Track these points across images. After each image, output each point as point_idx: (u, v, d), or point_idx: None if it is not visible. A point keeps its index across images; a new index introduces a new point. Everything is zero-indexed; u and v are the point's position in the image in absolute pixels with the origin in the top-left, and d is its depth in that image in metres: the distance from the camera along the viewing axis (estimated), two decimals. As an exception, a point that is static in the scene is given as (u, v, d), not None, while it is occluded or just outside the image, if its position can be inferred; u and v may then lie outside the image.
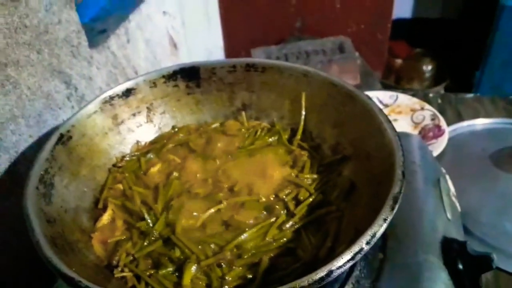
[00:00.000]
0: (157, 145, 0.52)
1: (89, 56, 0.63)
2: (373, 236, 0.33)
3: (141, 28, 0.77)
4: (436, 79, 2.00)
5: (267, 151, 0.51)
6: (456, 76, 1.92)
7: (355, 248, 0.32)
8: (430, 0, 2.09)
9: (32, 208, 0.37)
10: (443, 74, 1.98)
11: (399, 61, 2.05)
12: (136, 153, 0.51)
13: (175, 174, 0.48)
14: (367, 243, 0.32)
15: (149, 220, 0.43)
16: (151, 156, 0.51)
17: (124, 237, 0.43)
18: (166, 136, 0.54)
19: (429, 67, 2.05)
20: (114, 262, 0.40)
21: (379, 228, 0.34)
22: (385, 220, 0.34)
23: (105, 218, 0.44)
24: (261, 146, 0.52)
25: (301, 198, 0.45)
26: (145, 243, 0.41)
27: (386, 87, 1.57)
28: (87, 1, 0.70)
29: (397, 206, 0.35)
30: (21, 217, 0.38)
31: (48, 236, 0.36)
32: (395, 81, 2.05)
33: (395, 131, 0.42)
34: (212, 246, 0.40)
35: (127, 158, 0.50)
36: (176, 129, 0.54)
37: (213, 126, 0.55)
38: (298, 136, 0.52)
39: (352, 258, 0.32)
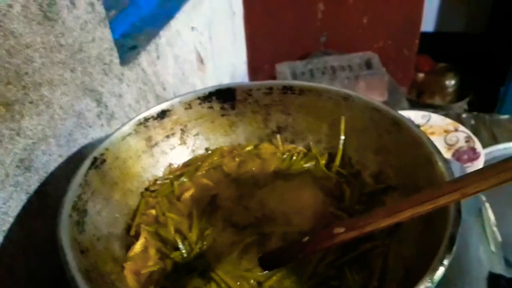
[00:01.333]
0: (191, 168, 0.51)
1: (120, 74, 0.62)
2: (431, 281, 0.31)
3: (170, 44, 0.76)
4: (459, 94, 1.96)
5: (304, 177, 0.49)
6: (480, 92, 1.88)
7: (415, 293, 0.30)
8: (454, 14, 2.06)
9: (66, 238, 0.35)
10: (466, 89, 1.94)
11: (421, 75, 2.02)
12: (169, 176, 0.49)
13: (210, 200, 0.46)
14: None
15: (183, 251, 0.41)
16: (184, 179, 0.49)
17: (158, 267, 0.41)
18: (199, 159, 0.52)
19: (452, 82, 2.01)
20: (149, 295, 0.38)
21: (436, 272, 0.31)
22: (443, 263, 0.32)
23: (138, 246, 0.42)
24: (298, 172, 0.50)
25: None
26: (180, 275, 0.40)
27: (408, 101, 1.54)
28: (119, 17, 0.70)
29: (454, 248, 0.33)
30: (47, 239, 0.37)
31: (83, 269, 0.34)
32: (416, 95, 2.01)
33: (448, 163, 0.39)
34: (252, 281, 0.38)
35: (160, 182, 0.49)
36: (210, 152, 0.53)
37: (247, 149, 0.53)
38: (337, 162, 0.50)
39: (411, 306, 0.29)
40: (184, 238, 0.43)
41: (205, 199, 0.47)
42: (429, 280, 0.31)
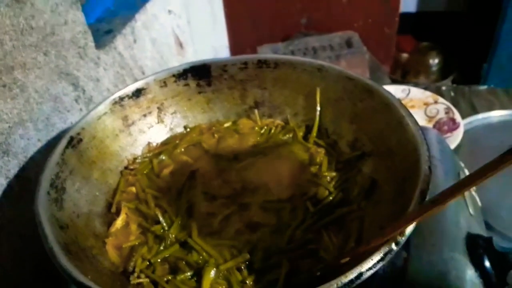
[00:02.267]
0: (169, 146, 0.51)
1: (96, 57, 0.61)
2: (402, 234, 0.31)
3: (147, 27, 0.76)
4: (443, 72, 1.98)
5: (282, 150, 0.50)
6: (464, 69, 1.89)
7: (384, 249, 0.30)
8: (434, -6, 2.07)
9: (44, 214, 0.36)
10: (450, 67, 1.96)
11: (405, 55, 2.03)
12: (148, 155, 0.50)
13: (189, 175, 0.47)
14: (396, 243, 0.31)
15: (164, 224, 0.42)
16: (163, 157, 0.50)
17: (139, 241, 0.41)
18: (178, 137, 0.52)
19: (436, 61, 2.02)
20: (130, 268, 0.39)
21: (408, 225, 0.32)
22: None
23: (119, 222, 0.43)
24: (276, 145, 0.51)
25: (320, 197, 0.43)
26: (161, 248, 0.40)
27: (393, 81, 1.55)
28: (92, 2, 0.69)
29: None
30: (30, 223, 0.37)
31: (62, 243, 0.34)
32: (401, 75, 2.02)
33: (418, 125, 0.40)
34: (231, 249, 0.39)
35: (139, 160, 0.49)
36: (188, 129, 0.53)
37: (226, 125, 0.54)
38: (314, 133, 0.50)
39: (382, 259, 0.30)
40: (164, 212, 0.43)
41: (184, 174, 0.47)
42: (400, 234, 0.31)
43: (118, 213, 0.44)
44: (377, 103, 0.45)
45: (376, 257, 0.30)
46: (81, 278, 0.31)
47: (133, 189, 0.46)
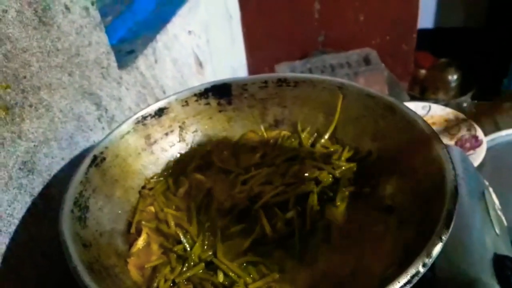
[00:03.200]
0: (182, 164, 0.51)
1: (118, 77, 0.62)
2: (429, 256, 0.31)
3: (168, 48, 0.77)
4: (462, 88, 1.96)
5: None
6: (483, 85, 1.87)
7: (411, 271, 0.30)
8: (453, 9, 2.06)
9: (68, 232, 0.36)
10: (469, 83, 1.94)
11: (423, 72, 2.02)
12: (163, 174, 0.50)
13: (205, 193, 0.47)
14: (424, 265, 0.30)
15: (186, 244, 0.41)
16: (178, 176, 0.49)
17: (162, 261, 0.41)
18: (188, 154, 0.52)
19: (455, 77, 2.00)
20: (153, 289, 0.39)
21: (434, 247, 0.31)
22: (440, 238, 0.32)
23: (140, 242, 0.43)
24: (286, 157, 0.50)
25: None
26: (185, 268, 0.40)
27: (411, 98, 1.54)
28: (115, 23, 0.71)
29: (452, 224, 0.33)
30: (53, 241, 0.37)
31: (85, 261, 0.34)
32: (420, 92, 2.01)
33: (443, 143, 0.39)
34: (260, 266, 0.38)
35: (155, 179, 0.49)
36: (197, 146, 0.53)
37: (234, 139, 0.54)
38: (326, 136, 0.51)
39: (409, 281, 0.29)
40: (185, 232, 0.43)
41: (200, 192, 0.47)
42: (427, 255, 0.31)
43: (139, 232, 0.44)
44: (400, 120, 0.44)
45: (403, 280, 0.29)
46: (105, 297, 0.31)
47: (152, 208, 0.46)
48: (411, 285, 0.29)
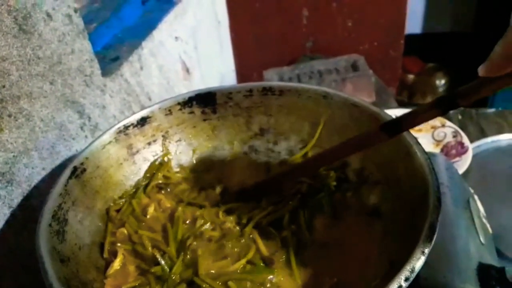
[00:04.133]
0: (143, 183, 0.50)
1: (102, 85, 0.62)
2: (412, 271, 0.30)
3: (154, 54, 0.77)
4: (450, 93, 1.97)
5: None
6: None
7: (393, 286, 0.29)
8: (440, 15, 2.08)
9: (45, 247, 0.35)
10: (457, 88, 1.95)
11: (411, 77, 2.03)
12: (124, 196, 0.48)
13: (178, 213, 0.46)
14: (406, 279, 0.30)
15: (165, 266, 0.40)
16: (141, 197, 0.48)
17: (139, 282, 0.40)
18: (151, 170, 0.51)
19: (442, 82, 2.02)
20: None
21: (417, 261, 0.31)
22: (423, 252, 0.32)
23: (116, 264, 0.41)
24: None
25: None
26: None
27: (399, 103, 1.54)
28: (100, 29, 0.70)
29: (435, 237, 0.33)
30: (33, 254, 0.36)
31: (62, 277, 0.34)
32: (408, 97, 2.02)
33: (426, 154, 0.39)
34: (248, 284, 0.38)
35: (122, 200, 0.48)
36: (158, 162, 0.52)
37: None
38: (307, 148, 0.50)
39: (392, 296, 0.29)
40: (163, 253, 0.42)
41: (172, 213, 0.46)
42: (410, 270, 0.30)
43: (113, 254, 0.43)
44: (384, 131, 0.44)
45: (386, 294, 0.29)
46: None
47: (124, 230, 0.44)
48: (393, 300, 0.29)
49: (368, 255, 0.39)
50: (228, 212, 0.46)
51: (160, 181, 0.50)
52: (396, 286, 0.29)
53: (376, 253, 0.39)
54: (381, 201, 0.43)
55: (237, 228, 0.44)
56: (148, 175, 0.50)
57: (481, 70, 0.31)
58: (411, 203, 0.38)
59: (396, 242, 0.38)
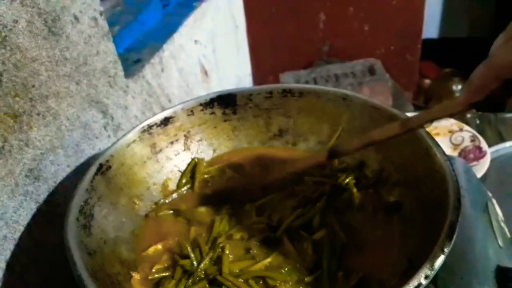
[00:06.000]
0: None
1: (125, 86, 0.63)
2: (432, 269, 0.31)
3: (174, 57, 0.78)
4: (467, 99, 1.96)
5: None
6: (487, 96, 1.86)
7: (413, 283, 0.30)
8: (457, 19, 2.06)
9: (73, 240, 0.36)
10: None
11: (428, 82, 2.02)
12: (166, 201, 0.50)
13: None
14: (426, 277, 0.30)
15: (194, 259, 0.41)
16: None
17: (166, 274, 0.41)
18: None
19: (459, 87, 2.00)
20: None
21: (436, 259, 0.32)
22: (443, 251, 0.32)
23: (152, 249, 0.43)
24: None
25: None
26: (190, 282, 0.40)
27: (416, 108, 1.54)
28: (122, 32, 0.72)
29: (455, 235, 0.33)
30: (58, 248, 0.38)
31: (90, 269, 0.35)
32: (424, 101, 2.01)
33: (445, 155, 0.40)
34: (270, 282, 0.38)
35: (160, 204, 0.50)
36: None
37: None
38: (329, 145, 0.51)
39: (411, 293, 0.29)
40: (196, 246, 0.43)
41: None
42: (429, 267, 0.31)
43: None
44: (403, 132, 0.45)
45: (405, 292, 0.29)
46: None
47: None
48: (413, 297, 0.29)
49: (388, 253, 0.40)
50: (259, 212, 0.46)
51: (206, 176, 0.51)
52: (416, 283, 0.30)
53: (396, 252, 0.39)
54: (400, 201, 0.43)
55: (267, 229, 0.44)
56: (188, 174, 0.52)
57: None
58: (430, 204, 0.39)
59: (415, 241, 0.38)
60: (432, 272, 0.31)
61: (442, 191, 0.37)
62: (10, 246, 0.45)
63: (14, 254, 0.45)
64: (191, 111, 0.52)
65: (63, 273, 0.51)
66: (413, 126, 0.38)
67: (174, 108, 0.51)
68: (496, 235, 0.52)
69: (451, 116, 0.38)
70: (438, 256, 0.32)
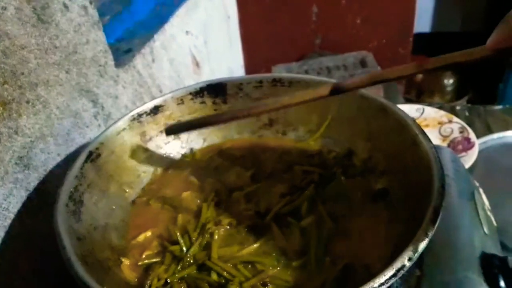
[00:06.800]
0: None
1: (115, 75, 0.63)
2: (415, 251, 0.32)
3: (165, 47, 0.78)
4: (458, 93, 1.97)
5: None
6: (479, 90, 1.88)
7: (397, 265, 0.30)
8: (450, 14, 2.07)
9: (63, 225, 0.37)
10: (465, 87, 1.95)
11: (419, 76, 2.03)
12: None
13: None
14: (409, 259, 0.31)
15: (183, 245, 0.42)
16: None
17: (156, 260, 0.42)
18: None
19: (451, 81, 2.02)
20: (146, 287, 0.39)
21: (419, 242, 0.32)
22: (426, 234, 0.33)
23: (142, 236, 0.43)
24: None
25: None
26: (179, 268, 0.40)
27: (407, 101, 1.55)
28: (113, 22, 0.71)
29: (438, 220, 0.34)
30: (49, 237, 0.38)
31: (79, 254, 0.35)
32: (416, 95, 2.02)
33: (431, 142, 0.40)
34: (259, 266, 0.39)
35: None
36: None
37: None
38: (318, 134, 0.52)
39: (395, 275, 0.30)
40: (184, 232, 0.43)
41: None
42: (413, 250, 0.32)
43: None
44: (391, 121, 0.45)
45: (389, 273, 0.30)
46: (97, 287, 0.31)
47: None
48: (396, 278, 0.30)
49: (374, 239, 0.40)
50: (248, 199, 0.47)
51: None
52: (400, 265, 0.30)
53: (382, 238, 0.40)
54: (387, 189, 0.44)
55: (255, 215, 0.45)
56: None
57: None
58: (417, 191, 0.39)
59: (401, 228, 0.39)
60: (416, 255, 0.31)
61: (428, 178, 0.37)
62: (0, 233, 0.45)
63: (5, 241, 0.46)
64: (181, 100, 0.52)
65: (54, 262, 0.51)
66: (430, 67, 0.35)
67: (164, 97, 0.51)
68: (482, 223, 0.53)
69: (474, 61, 0.34)
70: (422, 240, 0.32)
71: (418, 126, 0.43)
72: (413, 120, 0.44)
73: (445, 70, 0.38)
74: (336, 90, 0.39)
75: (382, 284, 0.29)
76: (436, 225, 0.33)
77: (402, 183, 0.42)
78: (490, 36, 0.32)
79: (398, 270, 0.30)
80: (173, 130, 0.47)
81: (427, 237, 0.32)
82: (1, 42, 0.43)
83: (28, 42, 0.46)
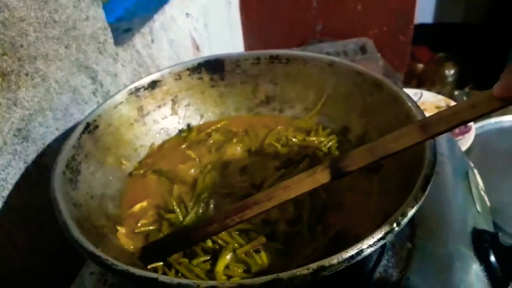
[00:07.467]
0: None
1: (114, 53, 0.64)
2: (404, 215, 0.32)
3: (165, 28, 0.78)
4: (459, 83, 1.97)
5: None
6: (480, 80, 1.88)
7: (385, 228, 0.31)
8: (452, 5, 2.06)
9: (59, 191, 0.37)
10: (466, 78, 1.95)
11: (421, 66, 2.03)
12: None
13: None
14: (398, 224, 0.32)
15: (179, 214, 0.43)
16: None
17: (153, 228, 0.42)
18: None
19: (452, 72, 2.02)
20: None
21: (408, 208, 0.33)
22: (416, 200, 0.33)
23: (138, 206, 0.44)
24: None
25: None
26: None
27: (408, 91, 1.54)
28: (113, 1, 0.72)
29: (428, 187, 0.34)
30: (46, 208, 0.38)
31: (75, 218, 0.36)
32: (417, 85, 2.02)
33: (425, 115, 0.41)
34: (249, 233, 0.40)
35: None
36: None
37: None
38: (314, 111, 0.52)
39: (383, 238, 0.31)
40: (180, 202, 0.44)
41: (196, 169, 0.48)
42: (402, 215, 0.32)
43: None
44: (386, 96, 0.46)
45: (377, 235, 0.31)
46: (92, 249, 0.32)
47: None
48: (385, 241, 0.31)
49: (366, 210, 0.41)
50: (243, 172, 0.47)
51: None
52: (388, 228, 0.31)
53: (374, 209, 0.41)
54: (380, 163, 0.44)
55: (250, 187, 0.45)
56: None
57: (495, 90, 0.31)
58: (410, 164, 0.39)
59: (392, 199, 0.39)
60: (404, 220, 0.32)
61: (420, 149, 0.38)
62: (-1, 203, 0.46)
63: (2, 211, 0.46)
64: (179, 75, 0.53)
65: (51, 234, 0.52)
66: (436, 132, 0.33)
67: (161, 72, 0.52)
68: (475, 201, 0.54)
69: (482, 116, 0.32)
70: (411, 206, 0.33)
71: (412, 100, 0.43)
72: (407, 94, 0.44)
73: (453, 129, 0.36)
74: (337, 175, 0.35)
75: (370, 246, 0.30)
76: (426, 192, 0.34)
77: (394, 157, 0.43)
78: (496, 84, 0.31)
79: (386, 233, 0.31)
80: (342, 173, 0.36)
81: (416, 204, 0.33)
82: (1, 13, 0.43)
83: (27, 15, 0.47)
